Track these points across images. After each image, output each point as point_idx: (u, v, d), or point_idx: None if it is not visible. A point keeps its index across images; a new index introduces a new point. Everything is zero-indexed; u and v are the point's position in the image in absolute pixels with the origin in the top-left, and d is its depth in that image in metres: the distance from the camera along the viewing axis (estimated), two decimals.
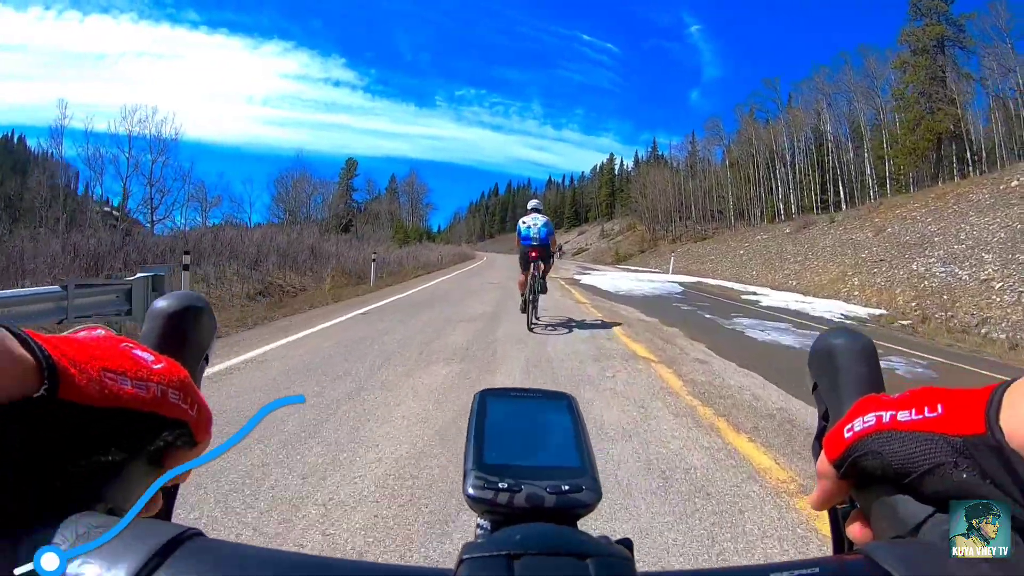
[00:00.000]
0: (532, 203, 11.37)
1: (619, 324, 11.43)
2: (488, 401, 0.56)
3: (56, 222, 30.87)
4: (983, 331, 15.92)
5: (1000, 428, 0.40)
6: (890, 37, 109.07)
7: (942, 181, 42.37)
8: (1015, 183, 26.72)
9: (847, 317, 17.06)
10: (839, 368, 0.61)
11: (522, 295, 10.83)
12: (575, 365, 7.37)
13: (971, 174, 41.11)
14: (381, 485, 3.68)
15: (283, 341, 8.59)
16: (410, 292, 18.55)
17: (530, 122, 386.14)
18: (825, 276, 28.53)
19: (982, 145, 45.72)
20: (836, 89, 59.86)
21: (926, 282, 21.38)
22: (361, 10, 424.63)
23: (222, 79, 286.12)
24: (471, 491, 0.45)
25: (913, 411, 0.46)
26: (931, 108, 47.75)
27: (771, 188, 66.11)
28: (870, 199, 49.52)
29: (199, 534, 0.40)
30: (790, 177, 63.44)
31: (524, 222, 10.89)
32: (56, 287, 7.69)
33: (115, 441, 0.46)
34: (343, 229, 64.02)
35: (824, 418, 0.63)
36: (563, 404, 0.57)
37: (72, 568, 0.36)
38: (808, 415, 5.63)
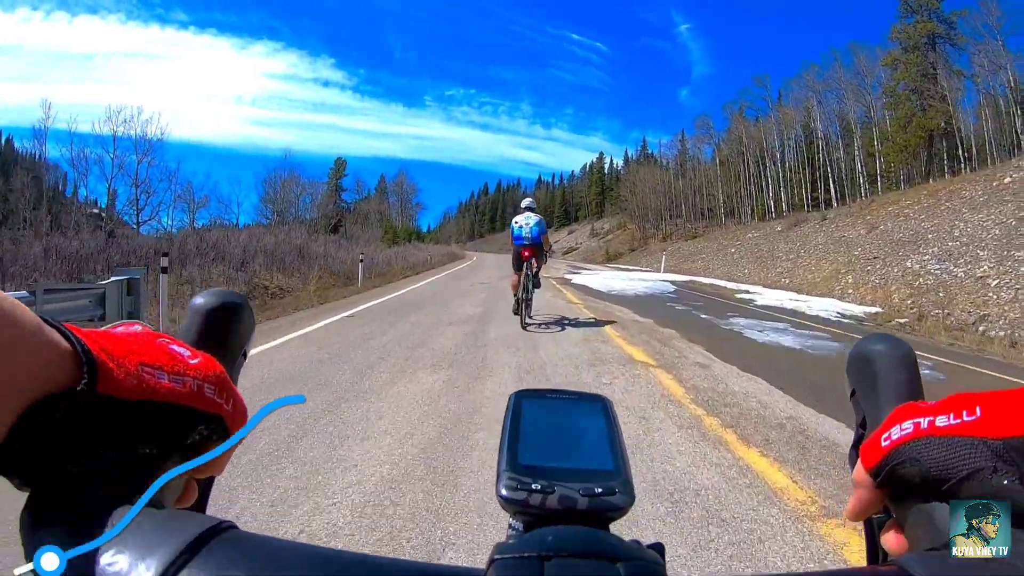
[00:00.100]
0: (526, 202, 11.36)
1: (613, 325, 11.07)
2: (523, 402, 0.56)
3: (39, 224, 30.55)
4: (981, 329, 15.69)
5: None
6: (880, 35, 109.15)
7: (933, 178, 42.27)
8: (1008, 179, 26.58)
9: (843, 315, 16.70)
10: (878, 375, 0.59)
11: (515, 295, 10.74)
12: (570, 371, 7.00)
13: (963, 171, 41.17)
14: (359, 514, 3.30)
15: (263, 347, 8.22)
16: (398, 293, 18.23)
17: (519, 121, 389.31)
18: (818, 274, 28.25)
19: (972, 142, 45.61)
20: (826, 87, 59.73)
21: (921, 279, 21.14)
22: (350, 10, 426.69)
23: (211, 79, 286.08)
24: (504, 492, 0.46)
25: (951, 415, 0.45)
26: (922, 105, 47.66)
27: (761, 186, 65.94)
28: (861, 196, 49.35)
29: (232, 527, 0.40)
30: (780, 175, 63.22)
31: (517, 221, 10.89)
32: (24, 292, 7.40)
33: (152, 435, 0.45)
34: (332, 229, 63.83)
35: (861, 426, 0.60)
36: (598, 406, 0.56)
37: (105, 559, 0.37)
38: (819, 425, 5.30)
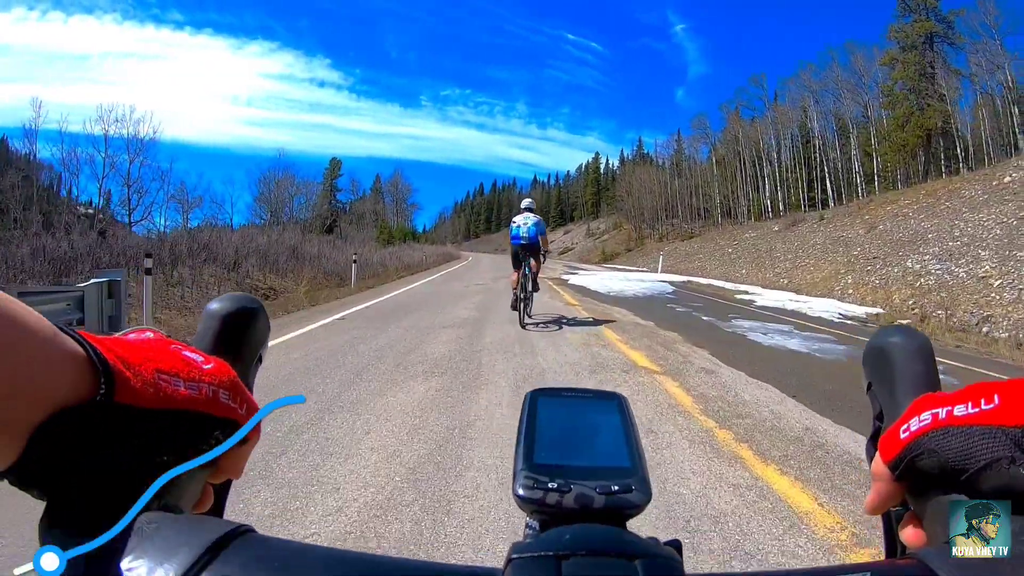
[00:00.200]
0: (525, 202, 11.48)
1: (613, 329, 10.69)
2: (539, 401, 0.56)
3: (29, 224, 30.24)
4: (984, 330, 15.38)
5: None
6: (876, 34, 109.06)
7: (931, 178, 42.10)
8: (1007, 179, 26.33)
9: (845, 316, 16.37)
10: (895, 367, 0.59)
11: (514, 292, 10.86)
12: (570, 379, 6.61)
13: (961, 171, 40.89)
14: (339, 546, 2.89)
15: None
16: (392, 295, 17.87)
17: (515, 121, 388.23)
18: (817, 274, 27.93)
19: (969, 142, 45.42)
20: (823, 86, 59.66)
21: (922, 280, 20.81)
22: (346, 10, 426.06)
23: (206, 80, 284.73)
24: (521, 491, 0.46)
25: (969, 404, 0.45)
26: (920, 104, 47.47)
27: (758, 186, 65.83)
28: (858, 196, 49.36)
29: (250, 530, 0.41)
30: (777, 175, 63.09)
31: (515, 221, 11.01)
32: None
33: (169, 442, 0.45)
34: (327, 230, 63.57)
35: (878, 418, 0.60)
36: (613, 404, 0.57)
37: (125, 563, 0.38)
38: (838, 437, 4.95)
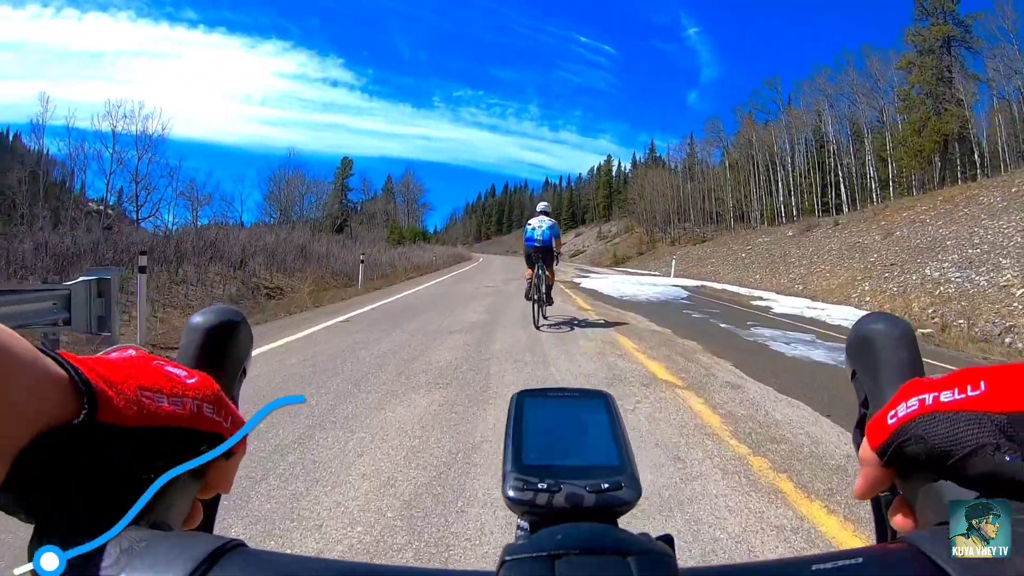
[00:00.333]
0: (541, 205, 11.59)
1: (629, 336, 10.17)
2: (525, 402, 0.56)
3: (35, 219, 30.19)
4: (1007, 340, 14.83)
5: None
6: (892, 38, 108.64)
7: (947, 184, 41.59)
8: None
9: None
10: (879, 354, 0.60)
11: (528, 280, 11.08)
12: None
13: (978, 177, 40.33)
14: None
15: None
16: (399, 296, 17.48)
17: (527, 123, 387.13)
18: (833, 280, 27.38)
19: (985, 148, 44.87)
20: (838, 90, 59.12)
21: (942, 288, 20.24)
22: (359, 10, 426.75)
23: (220, 78, 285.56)
24: (511, 493, 0.46)
25: (956, 391, 0.46)
26: (937, 109, 46.86)
27: (771, 190, 65.29)
28: (873, 202, 48.88)
29: (242, 544, 0.41)
30: (791, 179, 62.56)
31: (530, 224, 11.11)
32: None
33: (155, 459, 0.46)
34: (337, 229, 63.41)
35: (864, 405, 0.61)
36: (600, 402, 0.57)
37: None
38: None
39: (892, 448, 0.49)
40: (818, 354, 9.53)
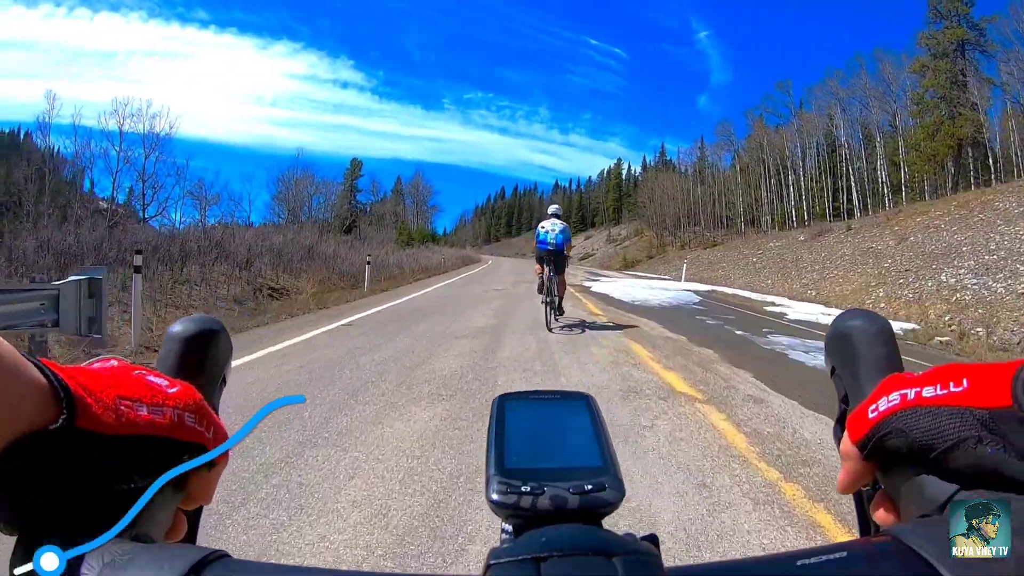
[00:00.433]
0: (552, 208, 11.55)
1: (642, 343, 9.73)
2: (506, 405, 0.56)
3: (40, 217, 30.17)
4: None
5: None
6: (904, 41, 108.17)
7: (960, 189, 41.23)
8: None
9: None
10: (857, 351, 0.60)
11: (539, 276, 11.27)
12: (600, 406, 5.66)
13: (992, 182, 39.93)
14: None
15: (238, 362, 7.12)
16: (406, 299, 17.11)
17: (537, 126, 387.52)
18: (847, 286, 26.97)
19: (999, 153, 44.52)
20: (850, 93, 58.65)
21: (958, 295, 19.84)
22: (370, 12, 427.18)
23: (231, 79, 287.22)
24: (495, 496, 0.46)
25: (938, 386, 0.47)
26: (951, 113, 46.41)
27: (782, 194, 64.88)
28: (885, 207, 48.48)
29: (226, 555, 0.41)
30: (802, 183, 62.15)
31: (543, 226, 11.16)
32: None
33: (135, 468, 0.46)
34: (346, 230, 63.31)
35: (844, 401, 0.61)
36: (581, 404, 0.58)
37: None
38: None
39: (873, 442, 0.50)
40: None
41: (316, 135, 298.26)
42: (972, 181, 43.90)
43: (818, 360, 9.22)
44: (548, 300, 10.91)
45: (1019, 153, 42.76)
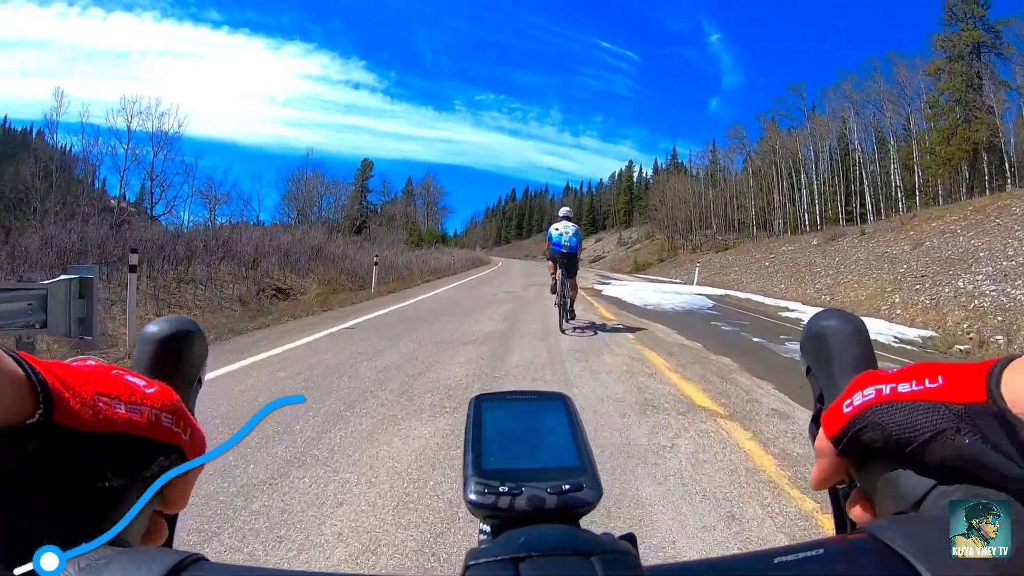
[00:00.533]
0: (564, 211, 11.59)
1: (658, 351, 9.31)
2: (483, 406, 0.56)
3: (47, 214, 30.16)
4: None
5: (1002, 396, 0.42)
6: (918, 44, 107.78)
7: (975, 193, 40.85)
8: None
9: (901, 340, 14.99)
10: (832, 350, 0.61)
11: (552, 276, 11.23)
12: (615, 422, 5.24)
13: (1007, 186, 39.55)
14: None
15: (230, 368, 6.81)
16: (413, 301, 16.76)
17: (548, 128, 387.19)
18: (862, 292, 26.55)
19: (1013, 157, 44.09)
20: (864, 97, 58.42)
21: (976, 301, 19.44)
22: (382, 13, 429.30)
23: (243, 79, 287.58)
24: (472, 497, 0.46)
25: (914, 383, 0.47)
26: (967, 117, 45.98)
27: (794, 198, 64.56)
28: (898, 211, 48.21)
29: (202, 558, 0.41)
30: (814, 187, 61.77)
31: (557, 228, 11.16)
32: None
33: (110, 467, 0.45)
34: (356, 231, 63.30)
35: (819, 400, 0.62)
36: (558, 404, 0.57)
37: None
38: None
39: (848, 436, 0.50)
40: None
41: (327, 135, 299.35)
42: (987, 186, 43.55)
43: None
44: (560, 303, 10.90)
45: None
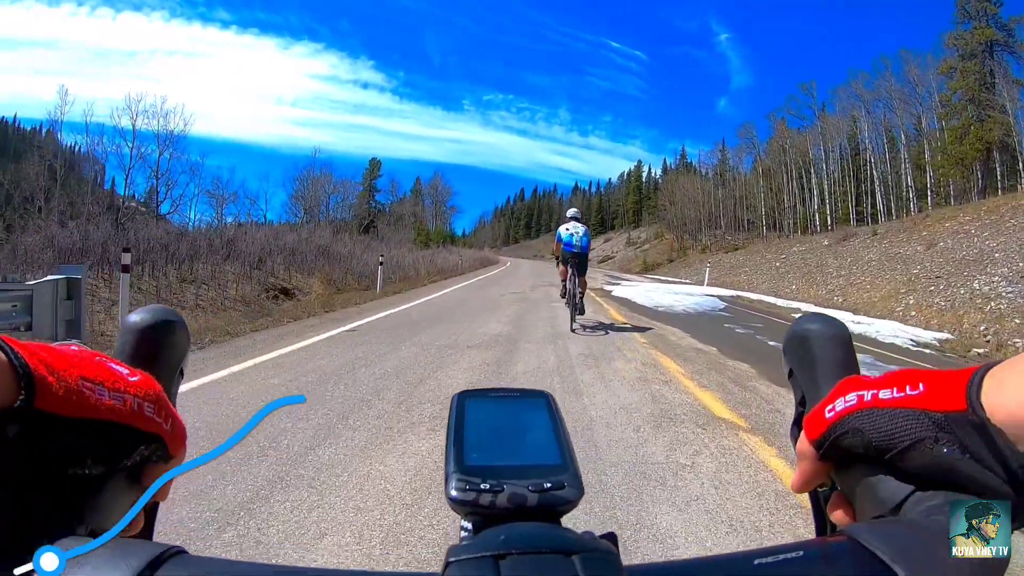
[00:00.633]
0: (572, 211, 11.71)
1: (671, 356, 8.95)
2: (466, 403, 0.56)
3: (51, 213, 30.06)
4: None
5: (982, 405, 0.42)
6: (929, 43, 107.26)
7: (988, 193, 40.45)
8: None
9: (919, 343, 14.60)
10: (815, 354, 0.61)
11: (563, 281, 11.44)
12: (629, 436, 4.86)
13: (1019, 187, 39.36)
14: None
15: (224, 372, 6.56)
16: (418, 302, 16.47)
17: (557, 128, 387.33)
18: (875, 293, 26.16)
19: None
20: (875, 96, 57.99)
21: (992, 303, 19.07)
22: (390, 13, 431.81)
23: (252, 78, 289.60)
24: (454, 493, 0.46)
25: (895, 389, 0.47)
26: (980, 116, 45.50)
27: (804, 198, 64.18)
28: (909, 211, 47.90)
29: (182, 551, 0.41)
30: (824, 187, 61.38)
31: (567, 229, 11.25)
32: None
33: (91, 454, 0.45)
34: (364, 230, 63.11)
35: (801, 404, 0.62)
36: (541, 402, 0.57)
37: None
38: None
39: (830, 441, 0.51)
40: None
41: (336, 135, 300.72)
42: (1000, 186, 43.13)
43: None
44: (572, 303, 10.99)
45: None
